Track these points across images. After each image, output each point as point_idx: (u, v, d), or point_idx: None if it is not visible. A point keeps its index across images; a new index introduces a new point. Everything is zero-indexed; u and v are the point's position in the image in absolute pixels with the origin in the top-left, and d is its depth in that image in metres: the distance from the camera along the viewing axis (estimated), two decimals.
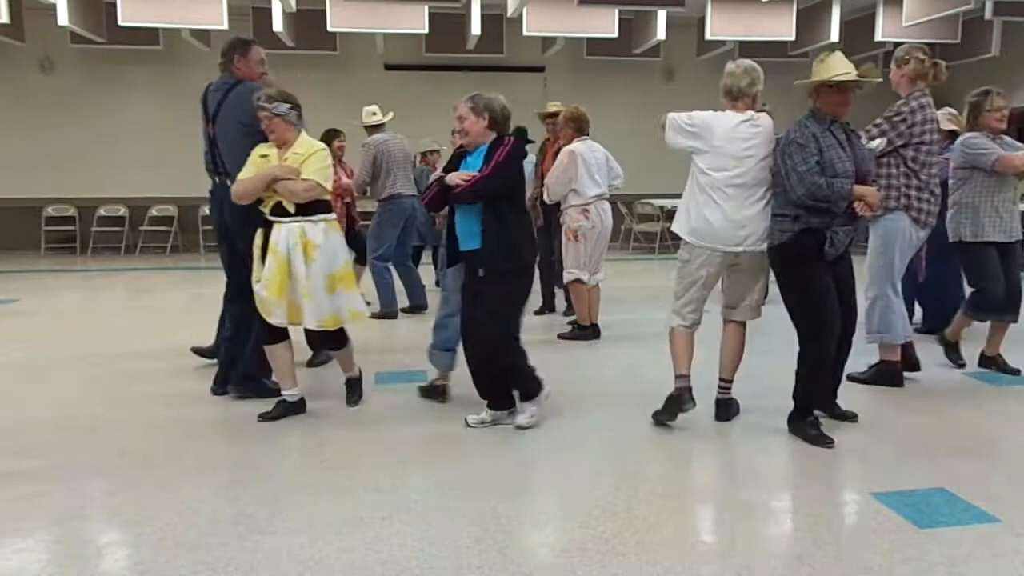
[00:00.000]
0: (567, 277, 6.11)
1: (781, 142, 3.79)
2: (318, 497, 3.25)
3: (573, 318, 6.28)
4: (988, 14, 9.41)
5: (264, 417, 4.13)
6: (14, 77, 11.72)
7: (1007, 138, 4.95)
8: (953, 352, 5.22)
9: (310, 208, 4.01)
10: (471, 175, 3.86)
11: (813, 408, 3.92)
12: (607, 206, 6.05)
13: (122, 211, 12.05)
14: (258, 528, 2.97)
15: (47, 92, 11.82)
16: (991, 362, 5.10)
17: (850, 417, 4.09)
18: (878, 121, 4.57)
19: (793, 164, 3.67)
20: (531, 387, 4.05)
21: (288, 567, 2.71)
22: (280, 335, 4.14)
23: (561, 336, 6.12)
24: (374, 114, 6.94)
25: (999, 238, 4.84)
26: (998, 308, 4.93)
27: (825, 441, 3.77)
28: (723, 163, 3.82)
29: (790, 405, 3.93)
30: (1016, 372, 5.01)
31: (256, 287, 4.04)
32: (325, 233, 4.05)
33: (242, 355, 4.48)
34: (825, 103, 3.75)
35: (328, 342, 4.36)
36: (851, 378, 4.87)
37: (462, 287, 4.09)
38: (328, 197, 4.14)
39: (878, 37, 10.08)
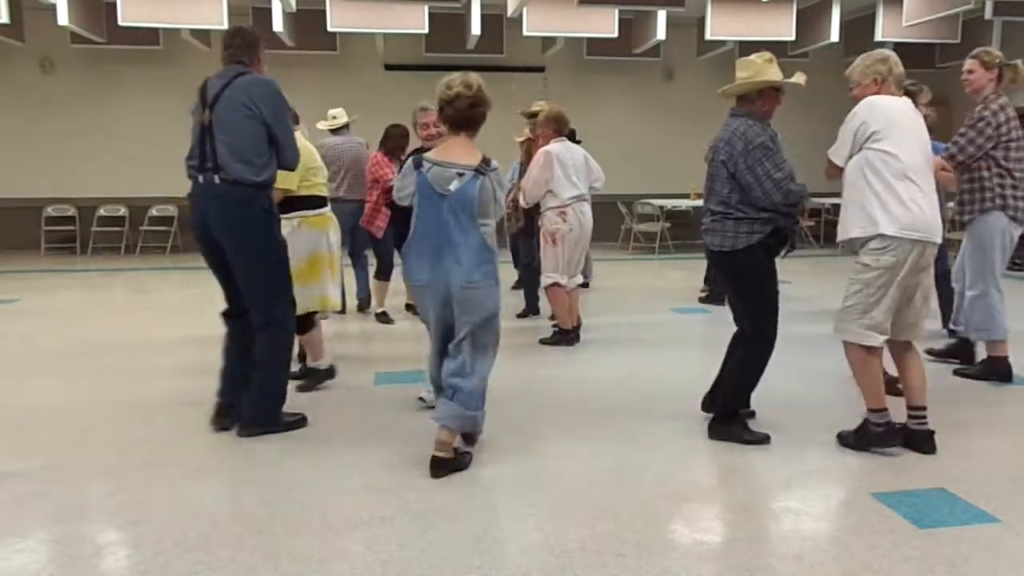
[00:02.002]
0: (545, 281, 5.87)
1: (737, 147, 3.64)
2: (318, 497, 3.25)
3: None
4: (988, 14, 9.41)
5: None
6: (14, 77, 11.73)
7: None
8: None
9: (285, 207, 4.40)
10: None
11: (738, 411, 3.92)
12: (586, 208, 5.85)
13: (122, 211, 12.05)
14: (258, 528, 2.97)
15: (47, 92, 11.82)
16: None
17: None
18: (962, 130, 4.62)
19: (766, 171, 3.61)
20: None
21: (288, 567, 2.71)
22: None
23: (543, 341, 5.92)
24: (334, 118, 7.08)
25: None
26: None
27: (762, 438, 3.81)
28: (912, 145, 3.54)
29: (789, 407, 3.94)
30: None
31: None
32: (294, 230, 4.46)
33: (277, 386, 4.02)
34: (769, 106, 3.74)
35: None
36: (959, 373, 4.99)
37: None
38: (313, 192, 4.60)
39: (878, 37, 10.07)
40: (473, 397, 3.43)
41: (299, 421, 4.06)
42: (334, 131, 7.05)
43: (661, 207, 12.01)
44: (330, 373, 4.80)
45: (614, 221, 12.54)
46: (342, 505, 3.17)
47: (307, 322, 4.62)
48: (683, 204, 11.31)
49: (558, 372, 5.23)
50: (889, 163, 3.49)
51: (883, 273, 3.50)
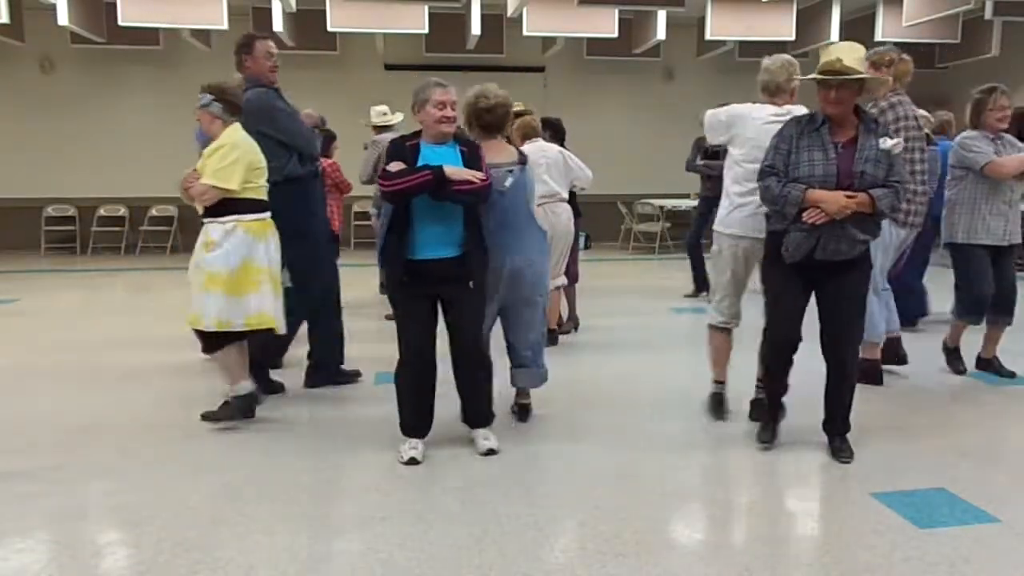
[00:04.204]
0: None
1: None
2: (318, 497, 3.26)
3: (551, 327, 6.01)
4: (988, 14, 9.40)
5: (205, 417, 4.06)
6: (14, 77, 11.72)
7: (1009, 137, 4.83)
8: (954, 359, 5.10)
9: (218, 209, 3.92)
10: (480, 174, 3.52)
11: (771, 405, 3.80)
12: (560, 208, 5.70)
13: (122, 211, 12.04)
14: (258, 528, 2.97)
15: (47, 92, 11.81)
16: (987, 364, 5.05)
17: (843, 458, 3.61)
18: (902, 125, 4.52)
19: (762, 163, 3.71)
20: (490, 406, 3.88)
21: (288, 567, 2.71)
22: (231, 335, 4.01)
23: None
24: (384, 114, 6.95)
25: (990, 241, 4.79)
26: (983, 310, 4.87)
27: (761, 441, 3.77)
28: (756, 155, 3.74)
29: (789, 406, 3.93)
30: (1012, 375, 4.95)
31: None
32: (228, 233, 3.91)
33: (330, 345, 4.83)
34: (821, 99, 3.49)
35: (201, 342, 4.07)
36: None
37: (415, 297, 3.61)
38: (253, 195, 3.98)
39: (878, 37, 10.06)
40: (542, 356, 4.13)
41: (353, 374, 4.90)
42: (382, 128, 6.84)
43: (661, 207, 12.01)
44: (249, 401, 4.09)
45: (614, 221, 12.54)
46: (342, 505, 3.17)
47: (218, 340, 3.98)
48: (683, 204, 11.29)
49: (557, 373, 5.22)
50: (734, 168, 3.95)
51: (715, 259, 4.05)
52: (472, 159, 3.61)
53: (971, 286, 4.84)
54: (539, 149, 5.72)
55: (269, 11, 9.72)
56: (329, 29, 9.59)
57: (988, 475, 3.48)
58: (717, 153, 7.77)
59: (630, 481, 3.42)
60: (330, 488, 3.35)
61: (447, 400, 4.43)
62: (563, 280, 6.01)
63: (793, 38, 10.18)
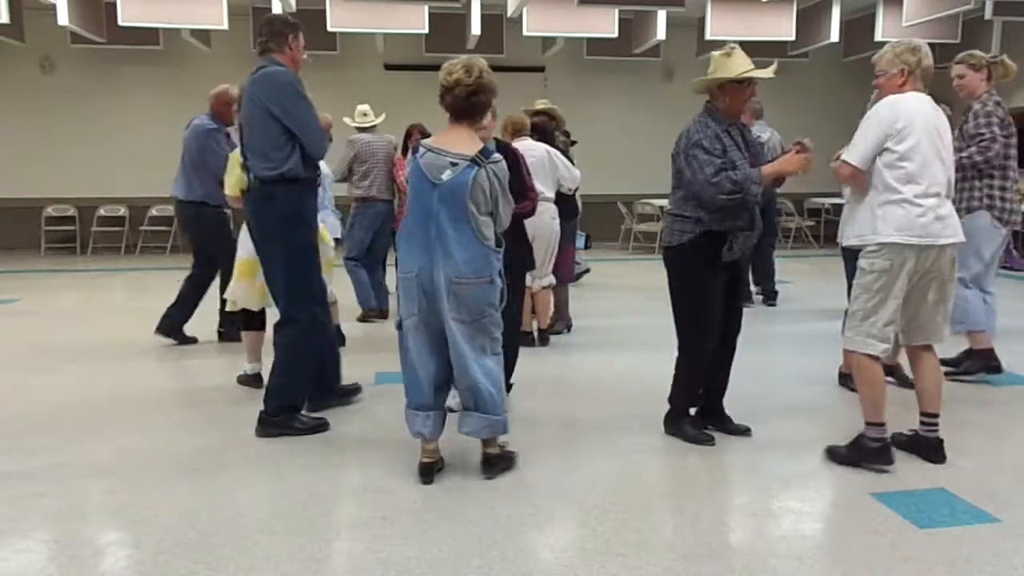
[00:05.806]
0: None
1: (680, 143, 3.70)
2: (318, 497, 3.25)
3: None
4: (988, 14, 9.41)
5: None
6: (14, 77, 11.73)
7: None
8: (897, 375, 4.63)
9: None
10: None
11: (688, 409, 3.90)
12: (542, 207, 5.48)
13: (122, 211, 12.05)
14: (258, 528, 2.97)
15: (47, 92, 11.82)
16: (890, 371, 4.46)
17: (743, 431, 3.90)
18: (982, 131, 4.55)
19: (700, 166, 3.57)
20: None
21: (288, 567, 2.71)
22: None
23: None
24: (365, 115, 6.97)
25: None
26: None
27: (705, 439, 3.80)
28: (924, 148, 3.36)
29: (789, 407, 3.94)
30: (911, 386, 4.32)
31: None
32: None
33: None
34: (731, 102, 3.69)
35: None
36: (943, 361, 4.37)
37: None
38: None
39: (878, 37, 10.07)
40: (493, 401, 3.30)
41: (319, 426, 4.00)
42: (363, 129, 6.90)
43: (661, 207, 12.00)
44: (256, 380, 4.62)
45: (614, 221, 12.54)
46: (342, 505, 3.17)
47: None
48: None
49: (557, 372, 5.23)
50: (896, 166, 3.36)
51: (879, 277, 3.38)
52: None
53: None
54: (526, 148, 5.66)
55: (269, 11, 9.71)
56: (329, 29, 9.59)
57: (988, 475, 3.48)
58: None
59: (630, 481, 3.42)
60: (330, 488, 3.35)
61: None
62: (551, 280, 5.98)
63: (793, 38, 10.18)
